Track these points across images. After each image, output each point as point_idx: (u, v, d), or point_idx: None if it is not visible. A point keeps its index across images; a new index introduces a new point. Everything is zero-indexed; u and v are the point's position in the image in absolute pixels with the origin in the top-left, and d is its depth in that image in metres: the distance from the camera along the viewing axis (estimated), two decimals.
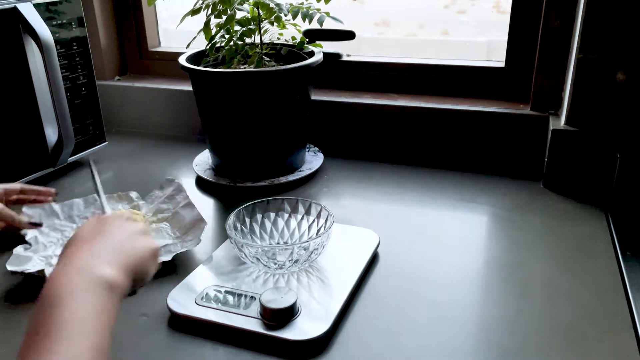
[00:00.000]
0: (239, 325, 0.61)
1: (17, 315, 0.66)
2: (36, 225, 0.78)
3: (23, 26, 0.90)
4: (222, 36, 0.96)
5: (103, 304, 0.42)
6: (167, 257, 0.73)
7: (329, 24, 0.91)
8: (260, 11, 0.95)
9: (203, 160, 1.06)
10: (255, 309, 0.63)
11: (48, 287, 0.41)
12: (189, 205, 0.82)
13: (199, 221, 0.78)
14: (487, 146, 1.03)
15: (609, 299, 0.66)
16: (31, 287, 0.70)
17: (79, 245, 0.47)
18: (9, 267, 0.71)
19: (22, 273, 0.70)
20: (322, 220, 0.75)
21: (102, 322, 0.40)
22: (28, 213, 0.82)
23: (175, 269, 0.74)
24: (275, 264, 0.69)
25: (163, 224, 0.82)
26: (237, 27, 0.95)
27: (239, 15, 0.94)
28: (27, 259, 0.73)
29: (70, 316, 0.39)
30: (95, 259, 0.45)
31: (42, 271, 0.70)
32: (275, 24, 0.97)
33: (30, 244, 0.76)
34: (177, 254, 0.74)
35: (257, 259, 0.68)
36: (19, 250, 0.74)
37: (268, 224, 0.77)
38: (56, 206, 0.85)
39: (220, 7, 0.92)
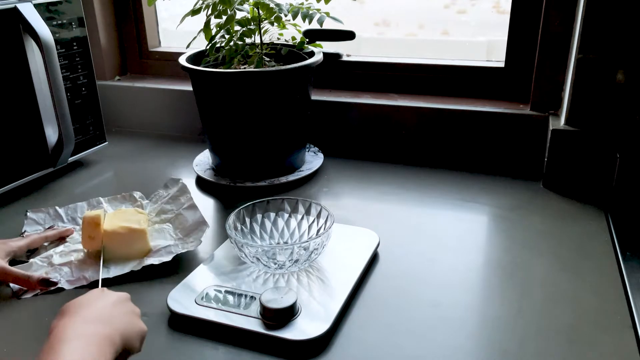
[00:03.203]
0: (239, 325, 0.61)
1: (17, 315, 0.66)
2: (49, 284, 0.70)
3: (23, 26, 0.90)
4: (222, 36, 0.96)
5: (102, 354, 0.45)
6: (167, 258, 0.73)
7: (329, 24, 0.91)
8: (260, 11, 0.95)
9: (203, 160, 1.06)
10: (255, 309, 0.63)
11: (51, 339, 0.45)
12: (192, 207, 0.82)
13: (202, 224, 0.78)
14: (487, 146, 1.03)
15: (609, 299, 0.66)
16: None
17: (74, 314, 0.49)
18: None
19: None
20: (322, 220, 0.75)
21: None
22: (33, 218, 0.83)
23: (175, 269, 0.74)
24: (275, 264, 0.69)
25: (166, 224, 0.82)
26: (237, 27, 0.95)
27: (239, 15, 0.94)
28: (28, 266, 0.73)
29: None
30: (101, 326, 0.48)
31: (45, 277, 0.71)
32: (275, 24, 0.97)
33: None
34: (177, 255, 0.74)
35: (257, 259, 0.68)
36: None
37: (268, 224, 0.77)
38: (60, 209, 0.85)
39: (220, 7, 0.92)
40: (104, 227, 0.74)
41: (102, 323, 0.48)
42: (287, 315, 0.61)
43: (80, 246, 0.76)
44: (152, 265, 0.72)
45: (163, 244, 0.76)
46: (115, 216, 0.77)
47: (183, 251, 0.74)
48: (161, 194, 0.88)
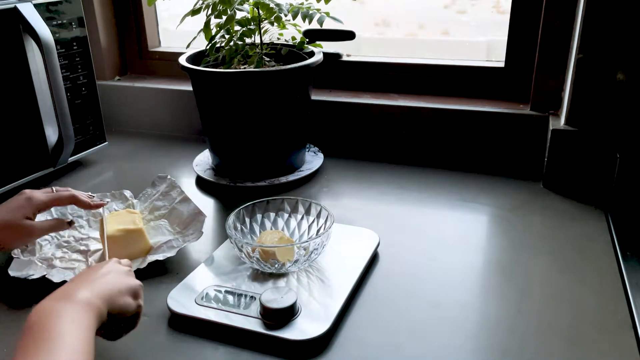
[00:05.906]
0: (239, 325, 0.61)
1: (17, 317, 0.66)
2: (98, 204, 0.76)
3: (23, 26, 0.90)
4: (222, 36, 0.96)
5: (80, 322, 0.47)
6: (171, 253, 0.73)
7: (329, 24, 0.91)
8: (260, 11, 0.95)
9: (203, 160, 1.06)
10: (255, 309, 0.63)
11: (32, 316, 0.46)
12: (185, 200, 0.82)
13: (198, 214, 0.78)
14: (487, 146, 1.03)
15: (609, 299, 0.66)
16: (31, 289, 0.70)
17: (66, 285, 0.53)
18: (12, 273, 0.70)
19: (25, 279, 0.70)
20: (322, 220, 0.75)
21: (81, 338, 0.45)
22: None
23: (175, 269, 0.74)
24: (275, 264, 0.69)
25: (161, 220, 0.82)
26: (237, 27, 0.95)
27: (239, 15, 0.94)
28: (27, 263, 0.72)
29: (54, 336, 0.44)
30: (73, 287, 0.51)
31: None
32: (275, 24, 0.97)
33: (26, 245, 0.76)
34: (178, 253, 0.74)
35: (257, 259, 0.68)
36: (17, 253, 0.74)
37: (268, 224, 0.77)
38: None
39: (220, 7, 0.92)
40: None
41: (86, 289, 0.50)
42: (287, 315, 0.61)
43: (79, 256, 0.76)
44: (152, 265, 0.72)
45: (163, 240, 0.76)
46: (109, 220, 0.76)
47: (185, 244, 0.74)
48: (150, 192, 0.88)
